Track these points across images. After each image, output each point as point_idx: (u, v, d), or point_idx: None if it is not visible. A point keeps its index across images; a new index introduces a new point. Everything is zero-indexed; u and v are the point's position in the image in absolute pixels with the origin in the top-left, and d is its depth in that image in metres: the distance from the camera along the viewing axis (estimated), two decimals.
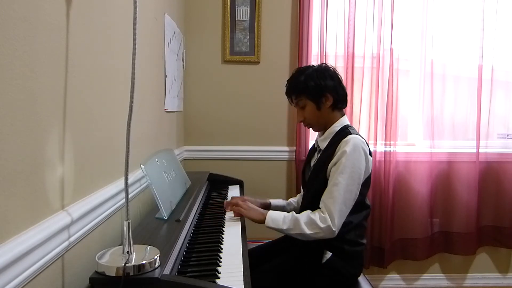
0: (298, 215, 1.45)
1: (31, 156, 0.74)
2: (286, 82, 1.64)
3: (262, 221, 1.48)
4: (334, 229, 1.40)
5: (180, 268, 1.06)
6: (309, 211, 1.46)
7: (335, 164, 1.46)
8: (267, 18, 2.50)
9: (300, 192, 1.85)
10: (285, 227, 1.44)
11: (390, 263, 2.58)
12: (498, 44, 2.55)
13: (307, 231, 1.41)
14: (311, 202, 1.55)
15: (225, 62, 2.51)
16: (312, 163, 1.65)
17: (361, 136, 1.52)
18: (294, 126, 2.50)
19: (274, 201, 1.80)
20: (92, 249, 1.00)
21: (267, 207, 1.75)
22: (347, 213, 1.44)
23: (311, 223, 1.41)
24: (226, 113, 2.54)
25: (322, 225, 1.40)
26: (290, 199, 1.86)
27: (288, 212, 1.76)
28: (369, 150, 1.52)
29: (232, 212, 1.55)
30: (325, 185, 1.48)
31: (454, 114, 2.61)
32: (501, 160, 2.62)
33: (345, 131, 1.53)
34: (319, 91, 1.55)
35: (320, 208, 1.45)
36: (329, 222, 1.39)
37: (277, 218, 1.47)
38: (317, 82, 1.54)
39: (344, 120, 1.60)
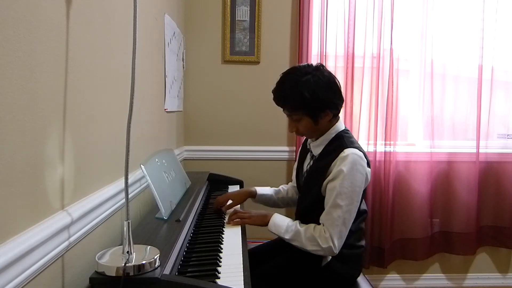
0: (300, 228, 1.41)
1: (31, 156, 0.74)
2: (275, 88, 1.49)
3: (266, 224, 1.45)
4: (335, 251, 1.37)
5: (180, 268, 1.06)
6: (312, 227, 1.40)
7: (331, 180, 1.39)
8: (267, 18, 2.50)
9: (291, 182, 1.81)
10: (287, 237, 1.42)
11: (390, 263, 2.58)
12: (498, 44, 2.55)
13: (308, 247, 1.38)
14: (305, 211, 1.55)
15: (225, 62, 2.51)
16: (305, 167, 1.60)
17: (358, 147, 1.42)
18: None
19: (260, 190, 1.74)
20: (92, 249, 1.00)
21: (253, 195, 1.73)
22: (348, 232, 1.40)
23: (312, 239, 1.38)
24: (226, 113, 2.54)
25: (323, 245, 1.36)
26: (280, 187, 1.81)
27: (276, 201, 1.78)
28: (367, 162, 1.43)
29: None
30: (318, 198, 1.44)
31: (454, 114, 2.61)
32: (501, 160, 2.62)
33: (341, 140, 1.45)
34: (318, 107, 1.41)
35: (321, 225, 1.40)
36: (330, 243, 1.36)
37: (280, 225, 1.44)
38: (315, 96, 1.39)
39: (339, 126, 1.50)
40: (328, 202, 1.39)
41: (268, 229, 1.45)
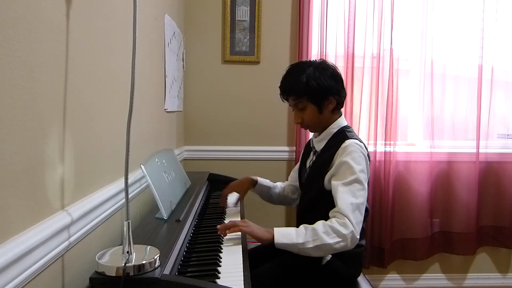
0: (312, 225, 1.29)
1: (31, 156, 0.74)
2: (281, 80, 1.52)
3: (270, 240, 1.27)
4: (357, 235, 1.27)
5: (180, 268, 1.06)
6: (323, 221, 1.29)
7: (336, 172, 1.38)
8: (267, 18, 2.50)
9: (287, 181, 1.82)
10: (300, 241, 1.26)
11: (390, 263, 2.58)
12: (498, 44, 2.55)
13: (328, 240, 1.24)
14: (307, 207, 1.54)
15: (225, 62, 2.51)
16: (308, 164, 1.61)
17: (359, 140, 1.44)
18: (294, 126, 2.50)
19: (261, 180, 1.76)
20: (92, 249, 1.00)
21: (254, 184, 1.74)
22: (362, 220, 1.33)
23: (331, 231, 1.26)
24: (226, 113, 2.54)
25: (345, 232, 1.25)
26: (278, 183, 1.81)
27: (272, 195, 1.78)
28: (368, 154, 1.45)
29: (233, 215, 1.53)
30: (321, 192, 1.44)
31: (454, 114, 2.61)
32: (501, 160, 2.62)
33: (343, 134, 1.47)
34: (322, 94, 1.45)
35: (332, 217, 1.32)
36: (351, 228, 1.25)
37: (288, 232, 1.29)
38: (320, 83, 1.44)
39: (341, 121, 1.52)
40: (336, 193, 1.34)
41: (276, 241, 1.27)
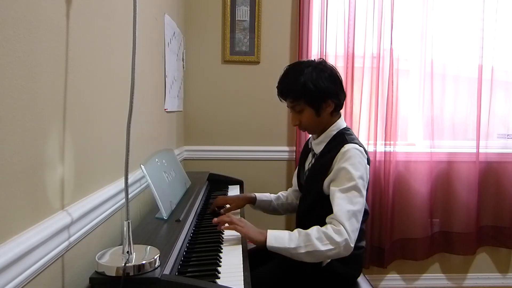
0: (306, 230, 1.28)
1: (31, 156, 0.74)
2: (278, 81, 1.49)
3: (263, 242, 1.27)
4: (352, 244, 1.25)
5: (180, 268, 1.06)
6: (317, 227, 1.29)
7: (334, 177, 1.36)
8: (267, 18, 2.50)
9: (291, 187, 1.80)
10: (292, 245, 1.25)
11: (390, 263, 2.58)
12: (498, 44, 2.55)
13: (321, 247, 1.23)
14: (307, 210, 1.53)
15: (225, 62, 2.51)
16: (307, 166, 1.60)
17: (358, 143, 1.42)
18: (294, 127, 2.50)
19: (259, 195, 1.72)
20: (92, 249, 1.00)
21: (253, 201, 1.71)
22: (359, 227, 1.31)
23: (325, 238, 1.24)
24: (226, 113, 2.54)
25: (338, 240, 1.24)
26: (280, 193, 1.79)
27: (276, 207, 1.74)
28: (368, 158, 1.42)
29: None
30: (320, 196, 1.43)
31: (454, 114, 2.61)
32: (501, 160, 2.62)
33: (342, 137, 1.44)
34: (320, 97, 1.42)
35: (328, 223, 1.31)
36: (346, 236, 1.24)
37: (281, 236, 1.27)
38: (318, 86, 1.40)
39: (341, 123, 1.50)
40: (333, 199, 1.33)
41: (268, 244, 1.27)
